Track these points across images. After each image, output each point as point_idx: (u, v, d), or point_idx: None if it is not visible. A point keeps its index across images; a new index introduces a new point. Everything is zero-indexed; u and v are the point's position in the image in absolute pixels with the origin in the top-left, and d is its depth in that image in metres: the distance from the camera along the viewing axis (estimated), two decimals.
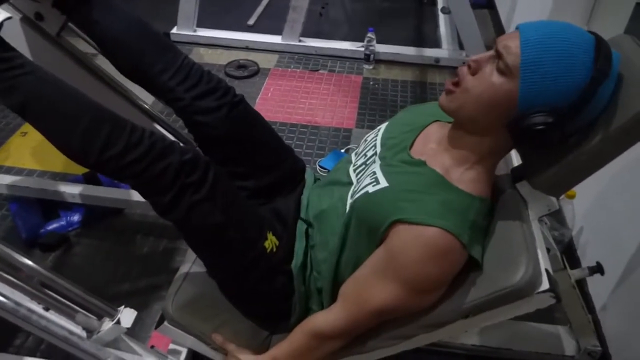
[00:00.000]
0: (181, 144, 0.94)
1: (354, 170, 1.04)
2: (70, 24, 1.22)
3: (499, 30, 2.72)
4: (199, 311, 1.08)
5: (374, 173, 0.93)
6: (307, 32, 2.61)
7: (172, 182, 0.89)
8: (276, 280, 1.01)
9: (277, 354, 1.02)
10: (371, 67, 2.52)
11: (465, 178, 0.88)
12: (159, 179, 0.89)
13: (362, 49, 2.52)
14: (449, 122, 0.95)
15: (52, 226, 1.67)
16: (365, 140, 1.07)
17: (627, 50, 0.83)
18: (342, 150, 2.00)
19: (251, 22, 2.93)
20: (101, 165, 0.89)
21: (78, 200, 1.66)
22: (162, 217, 0.95)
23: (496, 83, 0.79)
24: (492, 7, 2.92)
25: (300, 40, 2.59)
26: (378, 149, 1.00)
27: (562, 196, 1.07)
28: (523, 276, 0.83)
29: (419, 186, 0.88)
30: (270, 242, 1.00)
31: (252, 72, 2.47)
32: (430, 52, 2.56)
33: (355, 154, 1.09)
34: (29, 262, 0.93)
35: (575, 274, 1.16)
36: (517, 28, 0.81)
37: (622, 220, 1.28)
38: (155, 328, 1.08)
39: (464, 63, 2.15)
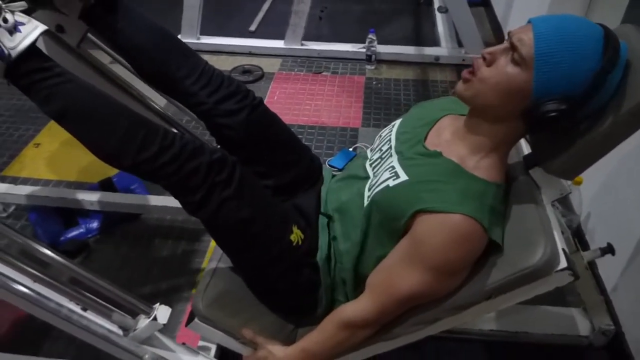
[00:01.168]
0: (209, 145, 0.98)
1: (370, 165, 1.08)
2: (88, 35, 1.26)
3: (496, 27, 2.77)
4: (227, 307, 1.11)
5: (393, 167, 0.97)
6: (308, 36, 2.66)
7: (203, 181, 0.93)
8: (303, 272, 1.05)
9: (307, 345, 1.05)
10: (373, 67, 2.57)
11: (481, 165, 0.92)
12: (191, 178, 0.93)
13: (364, 50, 2.57)
14: (461, 115, 1.00)
15: (72, 234, 1.70)
16: (380, 136, 1.12)
17: (633, 39, 0.87)
18: (351, 149, 2.04)
19: (252, 28, 2.98)
20: (136, 167, 0.93)
21: (96, 207, 1.70)
22: (192, 215, 0.99)
23: (511, 73, 0.83)
24: (487, 4, 2.98)
25: (302, 44, 2.64)
26: (393, 143, 1.04)
27: (569, 183, 1.11)
28: (542, 256, 0.87)
29: (437, 176, 0.92)
30: (296, 235, 1.04)
31: (257, 76, 2.51)
32: (430, 51, 2.62)
33: (371, 149, 1.13)
34: (67, 262, 0.98)
35: (587, 255, 1.21)
36: (529, 21, 0.86)
37: (629, 203, 1.33)
38: (186, 325, 1.12)
39: (463, 60, 2.21)
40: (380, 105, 2.31)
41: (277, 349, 1.08)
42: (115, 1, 1.08)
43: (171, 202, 1.73)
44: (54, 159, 2.04)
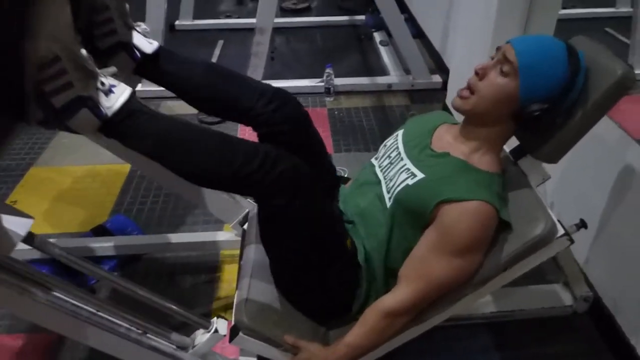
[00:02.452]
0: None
1: (381, 170, 1.24)
2: None
3: (434, 54, 3.08)
4: (269, 318, 1.20)
5: (408, 169, 1.13)
6: (264, 75, 2.81)
7: (289, 184, 1.02)
8: (351, 272, 1.16)
9: (349, 339, 1.16)
10: (332, 99, 2.77)
11: (483, 161, 1.11)
12: (277, 183, 1.01)
13: (322, 83, 2.77)
14: (454, 124, 1.21)
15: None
16: (385, 146, 1.28)
17: (586, 48, 1.11)
18: None
19: None
20: (233, 180, 1.01)
21: (108, 252, 1.71)
22: (269, 220, 1.08)
23: (501, 84, 1.04)
24: (422, 36, 3.31)
25: None
26: (401, 150, 1.20)
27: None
28: (545, 227, 1.07)
29: (450, 172, 1.09)
30: (349, 241, 1.15)
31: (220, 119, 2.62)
32: (382, 80, 2.87)
33: (376, 158, 1.29)
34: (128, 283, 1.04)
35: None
36: (508, 42, 1.07)
37: (587, 189, 1.57)
38: (230, 341, 1.19)
39: (412, 85, 2.53)
40: (347, 132, 2.50)
41: (319, 350, 1.17)
42: (158, 53, 1.17)
43: (173, 239, 1.79)
44: (36, 214, 2.01)
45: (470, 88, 1.09)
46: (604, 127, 1.42)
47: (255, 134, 1.26)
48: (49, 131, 2.47)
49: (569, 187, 1.66)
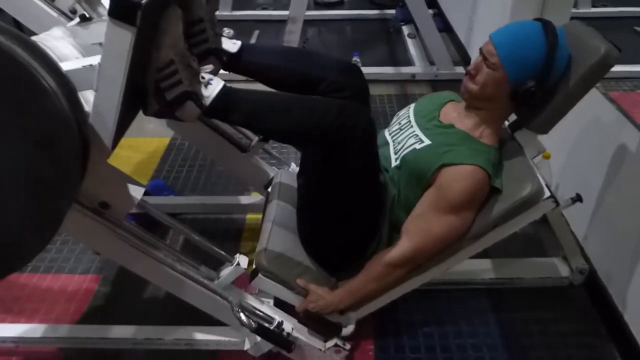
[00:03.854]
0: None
1: (390, 134, 1.39)
2: None
3: (460, 47, 3.19)
4: (285, 262, 1.36)
5: (417, 135, 1.28)
6: None
7: (364, 134, 1.15)
8: (377, 214, 1.29)
9: (352, 284, 1.32)
10: None
11: (484, 134, 1.26)
12: (358, 131, 1.13)
13: None
14: (459, 102, 1.37)
15: None
16: (398, 115, 1.44)
17: (578, 30, 1.23)
18: None
19: None
20: (325, 133, 1.14)
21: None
22: (331, 165, 1.19)
23: (491, 74, 1.19)
24: (449, 30, 3.42)
25: None
26: (412, 118, 1.36)
27: (540, 157, 1.45)
28: (531, 189, 1.20)
29: (453, 140, 1.24)
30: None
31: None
32: (406, 70, 3.00)
33: (388, 126, 1.45)
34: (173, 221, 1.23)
35: (561, 205, 1.53)
36: (490, 36, 1.21)
37: (589, 169, 1.67)
38: (250, 281, 1.36)
39: (436, 76, 2.69)
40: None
41: (326, 292, 1.33)
42: (242, 49, 1.33)
43: (204, 200, 1.98)
44: None
45: (471, 80, 1.24)
46: (603, 109, 1.53)
47: None
48: None
49: (572, 168, 1.77)
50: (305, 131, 1.17)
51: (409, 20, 3.51)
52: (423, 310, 1.60)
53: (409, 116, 1.38)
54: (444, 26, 3.45)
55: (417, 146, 1.26)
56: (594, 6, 3.56)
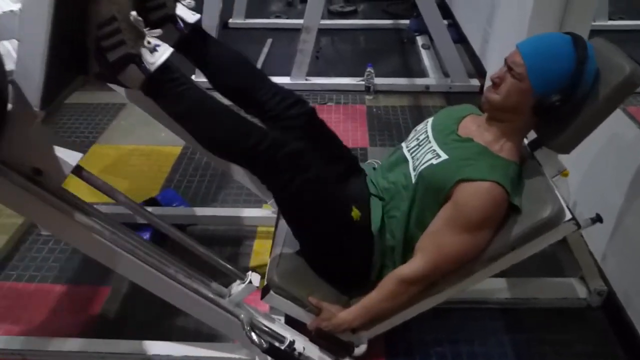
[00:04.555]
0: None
1: (408, 150, 1.37)
2: None
3: (474, 59, 3.16)
4: (298, 279, 1.34)
5: (434, 150, 1.26)
6: (309, 73, 2.98)
7: (290, 165, 1.17)
8: (362, 242, 1.29)
9: (365, 302, 1.29)
10: (372, 97, 2.89)
11: (503, 149, 1.23)
12: (282, 163, 1.16)
13: (363, 82, 2.90)
14: (478, 115, 1.34)
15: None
16: (416, 130, 1.42)
17: (600, 47, 1.20)
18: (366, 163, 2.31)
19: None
20: (241, 155, 1.18)
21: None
22: (278, 194, 1.22)
23: (516, 85, 1.16)
24: (464, 41, 3.39)
25: (307, 79, 2.96)
26: (430, 133, 1.33)
27: (558, 175, 1.41)
28: (552, 210, 1.16)
29: (471, 155, 1.21)
30: (356, 213, 1.29)
31: None
32: (420, 81, 2.98)
33: (406, 141, 1.42)
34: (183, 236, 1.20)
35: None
36: (517, 46, 1.18)
37: (607, 187, 1.63)
38: (262, 298, 1.34)
39: (450, 88, 2.66)
40: (383, 128, 2.62)
41: (338, 310, 1.31)
42: (205, 35, 1.34)
43: (215, 212, 1.97)
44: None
45: (494, 90, 1.21)
46: (623, 126, 1.49)
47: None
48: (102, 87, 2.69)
49: (590, 185, 1.73)
50: (235, 150, 1.17)
51: (423, 30, 3.49)
52: (436, 329, 1.56)
53: (426, 131, 1.35)
54: (458, 37, 3.42)
55: (434, 161, 1.23)
56: (610, 19, 3.52)
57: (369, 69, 2.87)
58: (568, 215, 1.18)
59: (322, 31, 3.44)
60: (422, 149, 1.31)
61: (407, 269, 1.23)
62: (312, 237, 1.32)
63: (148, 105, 1.34)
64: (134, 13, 1.02)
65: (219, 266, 1.24)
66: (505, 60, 1.20)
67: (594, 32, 1.27)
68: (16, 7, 0.84)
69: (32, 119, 0.93)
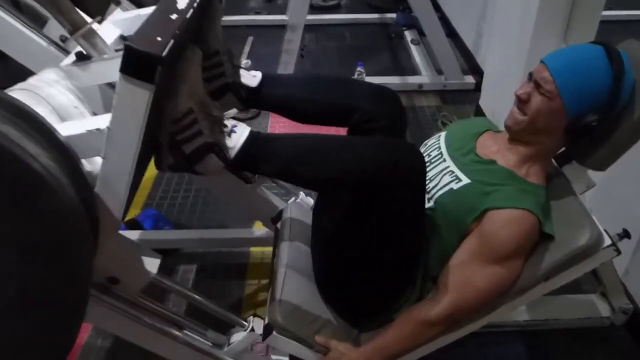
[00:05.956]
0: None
1: None
2: None
3: (467, 55, 3.04)
4: (302, 318, 1.19)
5: (452, 172, 1.11)
6: (294, 73, 2.81)
7: (414, 178, 0.98)
8: (411, 269, 1.13)
9: (381, 343, 1.14)
10: None
11: (531, 172, 1.09)
12: (408, 176, 0.97)
13: None
14: (497, 132, 1.20)
15: None
16: (426, 145, 1.27)
17: (634, 50, 1.07)
18: None
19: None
20: (378, 177, 0.96)
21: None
22: (361, 211, 1.03)
23: (546, 105, 1.02)
24: (454, 36, 3.26)
25: None
26: (444, 150, 1.19)
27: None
28: (591, 237, 1.04)
29: (496, 180, 1.07)
30: None
31: (254, 113, 2.63)
32: (413, 80, 2.84)
33: None
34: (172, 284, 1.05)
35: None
36: (542, 61, 1.05)
37: (630, 197, 1.52)
38: (263, 340, 1.19)
39: (444, 86, 2.47)
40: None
41: (349, 350, 1.16)
42: (269, 83, 1.17)
43: (205, 235, 1.80)
44: None
45: (521, 110, 1.07)
46: None
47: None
48: None
49: (610, 194, 1.62)
50: (352, 179, 0.98)
51: (412, 25, 3.37)
52: (453, 356, 1.42)
53: (440, 147, 1.21)
54: (449, 31, 3.29)
55: (455, 186, 1.09)
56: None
57: (359, 69, 2.72)
58: (607, 241, 1.05)
59: (306, 27, 3.25)
60: (436, 167, 1.17)
61: (430, 309, 1.09)
62: (360, 257, 1.12)
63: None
64: (213, 102, 0.93)
65: (217, 315, 1.08)
66: (531, 75, 1.06)
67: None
68: (102, 124, 0.78)
69: (115, 230, 0.86)
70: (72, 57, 1.03)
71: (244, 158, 0.96)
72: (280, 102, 1.21)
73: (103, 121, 0.76)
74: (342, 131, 1.23)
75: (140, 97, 0.68)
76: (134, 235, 1.77)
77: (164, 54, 0.67)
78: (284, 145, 1.01)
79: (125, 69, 0.66)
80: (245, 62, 1.19)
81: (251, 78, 1.16)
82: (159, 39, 0.67)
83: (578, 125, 1.01)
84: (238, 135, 0.95)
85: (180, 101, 0.85)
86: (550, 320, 1.49)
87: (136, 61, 0.66)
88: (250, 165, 1.01)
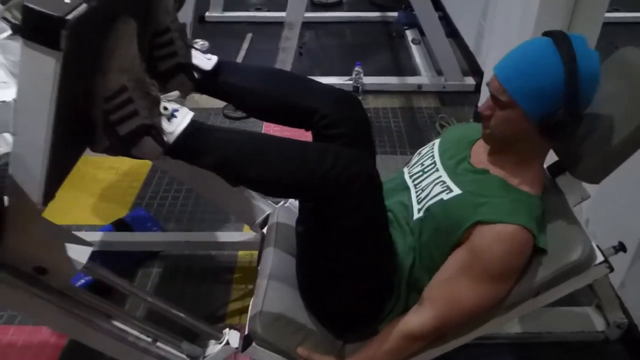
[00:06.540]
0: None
1: (410, 177, 1.18)
2: None
3: (468, 55, 2.98)
4: (284, 329, 1.15)
5: (444, 182, 1.07)
6: (292, 70, 2.77)
7: (360, 185, 0.97)
8: (389, 279, 1.11)
9: (366, 356, 1.10)
10: (361, 98, 2.69)
11: (524, 182, 1.04)
12: (351, 182, 0.96)
13: (350, 82, 2.70)
14: None
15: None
16: (420, 154, 1.22)
17: (632, 58, 1.02)
18: None
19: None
20: (320, 185, 0.96)
21: (117, 248, 1.70)
22: (330, 220, 1.01)
23: (506, 115, 0.98)
24: (455, 36, 3.20)
25: None
26: (437, 159, 1.14)
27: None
28: (582, 252, 0.99)
29: (489, 190, 1.02)
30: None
31: None
32: (412, 80, 2.79)
33: (408, 165, 1.23)
34: (139, 292, 1.01)
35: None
36: (493, 70, 1.00)
37: (625, 209, 1.47)
38: (242, 351, 1.15)
39: (444, 87, 2.38)
40: (374, 133, 2.43)
41: None
42: (224, 68, 1.13)
43: (192, 237, 1.77)
44: (58, 205, 2.01)
45: (486, 126, 1.04)
46: None
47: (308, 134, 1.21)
48: None
49: (606, 206, 1.57)
50: (293, 183, 0.98)
51: (413, 24, 3.32)
52: None
53: (433, 156, 1.16)
54: (450, 31, 3.23)
55: (445, 196, 1.04)
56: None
57: (357, 68, 2.67)
58: (600, 258, 1.01)
59: (306, 24, 3.21)
60: (428, 177, 1.12)
61: (415, 322, 1.05)
62: (336, 271, 1.11)
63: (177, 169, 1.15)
64: (151, 80, 0.87)
65: (192, 327, 1.04)
66: (488, 87, 1.01)
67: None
68: (8, 96, 0.72)
69: (35, 214, 0.80)
70: (7, 31, 0.96)
71: (182, 145, 0.92)
72: (236, 92, 1.17)
73: (10, 93, 0.71)
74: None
75: (45, 65, 0.62)
76: (120, 236, 1.73)
77: (69, 16, 0.60)
78: (228, 138, 0.97)
79: (26, 33, 0.60)
80: (201, 43, 1.13)
81: (205, 60, 1.11)
82: (67, 0, 0.61)
83: (549, 125, 0.96)
84: (178, 120, 0.90)
85: (110, 76, 0.80)
86: (543, 332, 1.45)
87: (36, 23, 0.60)
88: (188, 154, 0.96)
